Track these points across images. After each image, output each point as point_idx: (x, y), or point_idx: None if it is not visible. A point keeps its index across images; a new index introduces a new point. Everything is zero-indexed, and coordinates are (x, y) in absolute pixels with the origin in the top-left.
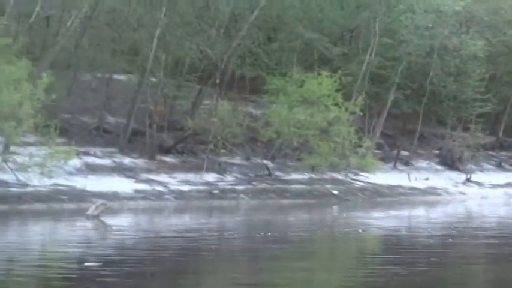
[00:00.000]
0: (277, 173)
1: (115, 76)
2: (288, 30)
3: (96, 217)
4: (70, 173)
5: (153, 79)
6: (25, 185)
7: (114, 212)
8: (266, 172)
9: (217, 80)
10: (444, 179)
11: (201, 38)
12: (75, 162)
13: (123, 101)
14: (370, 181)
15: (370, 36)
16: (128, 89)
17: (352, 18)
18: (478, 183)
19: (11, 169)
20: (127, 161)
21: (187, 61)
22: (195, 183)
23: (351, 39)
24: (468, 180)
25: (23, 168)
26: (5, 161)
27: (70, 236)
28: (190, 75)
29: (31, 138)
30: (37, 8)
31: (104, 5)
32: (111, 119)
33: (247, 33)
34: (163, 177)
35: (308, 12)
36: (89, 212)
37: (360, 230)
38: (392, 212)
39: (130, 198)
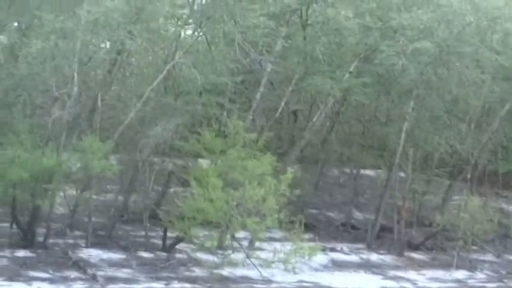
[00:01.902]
0: None
1: (363, 171)
2: None
3: None
4: (316, 269)
5: (402, 174)
6: (269, 281)
7: None
8: None
9: (468, 175)
10: None
11: (451, 133)
12: (321, 258)
13: (371, 196)
14: None
15: None
16: (375, 184)
17: None
18: None
19: (254, 265)
20: (374, 257)
21: (436, 156)
22: (444, 281)
23: None
24: None
25: (267, 264)
26: (249, 256)
27: None
28: (440, 170)
29: (277, 234)
30: (283, 103)
31: (352, 99)
32: (358, 215)
33: (498, 127)
34: (411, 274)
35: None
36: None
37: None
38: None
39: None
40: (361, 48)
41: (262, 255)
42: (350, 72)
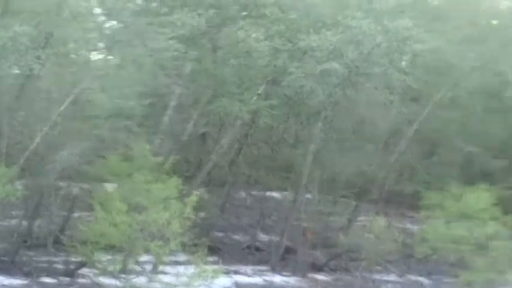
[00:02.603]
0: None
1: (270, 193)
2: (448, 144)
3: None
4: None
5: (308, 195)
6: None
7: None
8: None
9: (375, 196)
10: None
11: (358, 154)
12: (225, 281)
13: (277, 218)
14: None
15: None
16: (282, 206)
17: None
18: None
19: None
20: (278, 279)
21: (343, 177)
22: None
23: None
24: None
25: (170, 287)
26: (152, 280)
27: None
28: (347, 191)
29: (181, 257)
30: (191, 126)
31: (260, 121)
32: (264, 237)
33: (406, 148)
34: None
35: (468, 126)
36: None
37: None
38: None
39: None
40: (270, 70)
41: (166, 278)
42: (258, 95)
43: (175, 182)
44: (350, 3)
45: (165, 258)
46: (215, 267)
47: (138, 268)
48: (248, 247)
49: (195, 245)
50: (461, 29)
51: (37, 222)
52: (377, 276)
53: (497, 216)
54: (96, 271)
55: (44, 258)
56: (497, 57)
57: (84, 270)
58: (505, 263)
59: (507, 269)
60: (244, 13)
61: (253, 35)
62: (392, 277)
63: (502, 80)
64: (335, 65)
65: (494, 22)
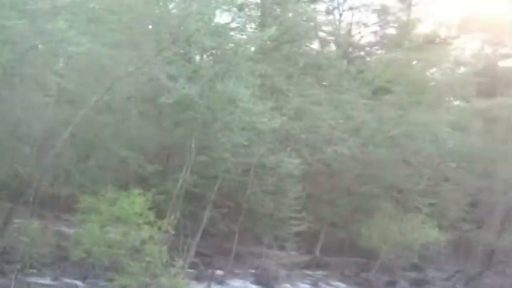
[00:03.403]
0: None
1: None
2: (104, 148)
3: None
4: None
5: None
6: None
7: None
8: None
9: (30, 198)
10: None
11: (12, 155)
12: None
13: None
14: None
15: (186, 154)
16: None
17: (168, 136)
18: None
19: None
20: None
21: None
22: None
23: (167, 156)
24: None
25: None
26: None
27: None
28: (1, 193)
29: None
30: None
31: None
32: None
33: (61, 150)
34: None
35: (124, 130)
36: None
37: None
38: None
39: None
40: None
41: None
42: None
43: None
44: (4, 2)
45: None
46: None
47: None
48: None
49: None
50: (116, 32)
51: None
52: (32, 279)
53: (151, 220)
54: None
55: None
56: (152, 62)
57: None
58: (159, 267)
59: (161, 273)
60: None
61: None
62: (47, 280)
63: (156, 85)
64: None
65: (150, 27)
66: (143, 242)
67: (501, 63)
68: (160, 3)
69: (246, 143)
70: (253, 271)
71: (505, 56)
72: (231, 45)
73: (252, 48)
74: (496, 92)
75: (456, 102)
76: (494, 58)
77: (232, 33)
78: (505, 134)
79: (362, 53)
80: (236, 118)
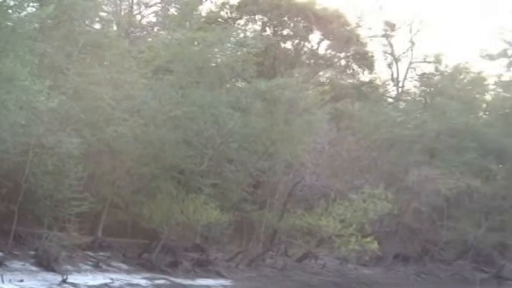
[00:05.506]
0: None
1: None
2: None
3: None
4: None
5: None
6: None
7: None
8: None
9: None
10: (39, 281)
11: None
12: None
13: None
14: None
15: None
16: None
17: None
18: (75, 285)
19: None
20: None
21: None
22: None
23: None
24: (64, 281)
25: None
26: None
27: None
28: None
29: None
30: None
31: None
32: None
33: None
34: None
35: None
36: None
37: None
38: None
39: None
40: None
41: None
42: None
43: None
44: None
45: None
46: None
47: None
48: None
49: None
50: None
51: None
52: None
53: None
54: None
55: None
56: None
57: None
58: None
59: None
60: None
61: None
62: None
63: None
64: None
65: None
66: None
67: (281, 45)
68: None
69: (23, 123)
70: (33, 253)
71: (285, 38)
72: (9, 23)
73: (32, 27)
74: (277, 73)
75: (237, 83)
76: (274, 39)
77: (10, 11)
78: (286, 114)
79: (144, 33)
80: (13, 97)
